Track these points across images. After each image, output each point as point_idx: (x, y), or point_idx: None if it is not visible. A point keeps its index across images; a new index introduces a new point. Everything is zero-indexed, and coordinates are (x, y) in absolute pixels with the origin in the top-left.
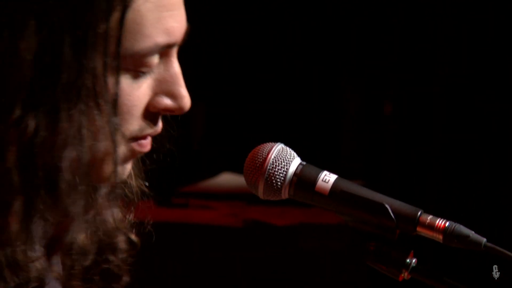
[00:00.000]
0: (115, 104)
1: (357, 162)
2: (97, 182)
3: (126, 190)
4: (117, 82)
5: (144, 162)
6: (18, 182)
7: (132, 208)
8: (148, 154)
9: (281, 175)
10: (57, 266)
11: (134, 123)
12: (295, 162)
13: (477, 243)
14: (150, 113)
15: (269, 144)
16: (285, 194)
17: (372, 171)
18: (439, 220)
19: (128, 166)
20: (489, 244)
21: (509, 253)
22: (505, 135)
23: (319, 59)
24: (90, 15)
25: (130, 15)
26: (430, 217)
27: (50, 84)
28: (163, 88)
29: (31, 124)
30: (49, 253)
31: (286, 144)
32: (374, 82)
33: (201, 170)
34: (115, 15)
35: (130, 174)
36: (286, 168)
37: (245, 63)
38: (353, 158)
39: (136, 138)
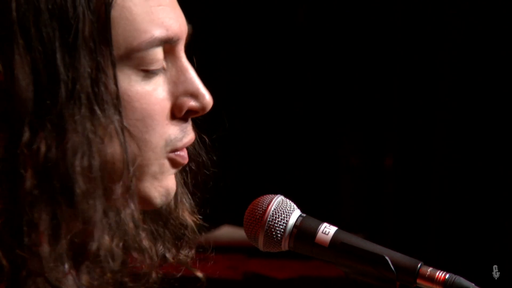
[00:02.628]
0: (116, 104)
1: (357, 214)
2: (112, 183)
3: (183, 230)
4: (115, 83)
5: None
6: (41, 201)
7: (193, 246)
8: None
9: (281, 227)
10: (87, 275)
11: (167, 131)
12: (295, 214)
13: None
14: (178, 120)
15: (269, 196)
16: (285, 246)
17: (372, 223)
18: (439, 272)
19: (173, 180)
20: None
21: None
22: (504, 184)
23: (320, 110)
24: (73, 20)
25: (118, 12)
26: (430, 269)
27: (51, 98)
28: (181, 89)
29: (42, 144)
30: (77, 263)
31: (286, 196)
32: (374, 135)
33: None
34: (100, 16)
35: (181, 211)
36: (286, 220)
37: (247, 116)
38: (353, 211)
39: (177, 149)
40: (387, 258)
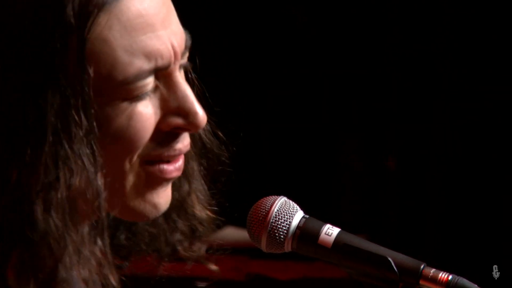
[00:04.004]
0: (90, 138)
1: (360, 215)
2: (83, 219)
3: (197, 224)
4: (86, 116)
5: None
6: (13, 232)
7: (206, 239)
8: None
9: (284, 228)
10: None
11: (146, 145)
12: (298, 215)
13: None
14: (164, 133)
15: (272, 197)
16: (288, 247)
17: (375, 224)
18: (442, 273)
19: (163, 194)
20: None
21: None
22: (505, 186)
23: (322, 113)
24: (43, 55)
25: (96, 47)
26: (433, 270)
27: (21, 131)
28: (172, 107)
29: (14, 173)
30: None
31: (289, 198)
32: (376, 138)
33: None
34: (72, 51)
35: (195, 204)
36: (289, 221)
37: (251, 119)
38: (356, 212)
39: (153, 160)
40: (390, 259)
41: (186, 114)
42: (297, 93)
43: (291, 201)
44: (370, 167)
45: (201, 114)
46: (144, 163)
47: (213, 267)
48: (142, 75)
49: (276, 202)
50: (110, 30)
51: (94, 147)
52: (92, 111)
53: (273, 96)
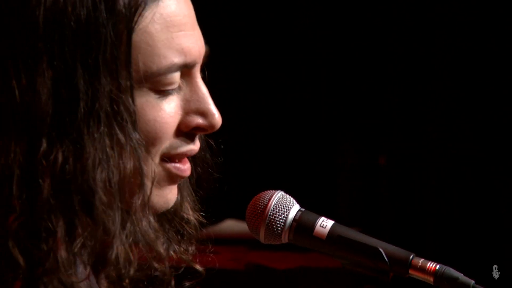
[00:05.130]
0: (134, 122)
1: (353, 209)
2: (131, 196)
3: (186, 227)
4: (133, 102)
5: None
6: (58, 210)
7: (194, 241)
8: None
9: (281, 221)
10: (105, 280)
11: (167, 141)
12: (295, 209)
13: (466, 285)
14: (183, 133)
15: (270, 192)
16: (285, 239)
17: (367, 217)
18: (430, 263)
19: (173, 191)
20: (477, 286)
21: None
22: (497, 183)
23: (319, 114)
24: (97, 42)
25: (139, 37)
26: (421, 260)
27: (70, 113)
28: (192, 107)
29: (59, 154)
30: (96, 270)
31: (286, 192)
32: (369, 136)
33: (206, 216)
34: (122, 39)
35: (186, 209)
36: (286, 214)
37: (252, 119)
38: (349, 206)
39: (170, 157)
40: (381, 250)
41: (206, 114)
42: (296, 94)
43: (288, 195)
44: (363, 164)
45: (217, 115)
46: (163, 160)
47: (200, 267)
48: (173, 68)
49: (274, 196)
50: (153, 24)
51: (139, 131)
52: (138, 96)
53: (274, 98)
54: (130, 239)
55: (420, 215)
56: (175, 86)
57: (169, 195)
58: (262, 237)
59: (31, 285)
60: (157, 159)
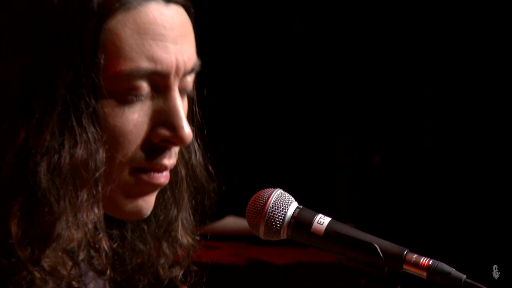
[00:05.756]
0: (92, 118)
1: (349, 206)
2: (80, 186)
3: (178, 249)
4: (94, 99)
5: None
6: (14, 187)
7: (185, 262)
8: None
9: (280, 217)
10: (49, 259)
11: (136, 151)
12: (293, 206)
13: (458, 280)
14: (154, 144)
15: (269, 190)
16: (283, 235)
17: (363, 214)
18: (423, 259)
19: (148, 200)
20: (468, 281)
21: None
22: (491, 180)
23: (317, 116)
24: (65, 33)
25: (107, 36)
26: (415, 255)
27: (33, 97)
28: (162, 119)
29: (21, 133)
30: (42, 247)
31: (285, 190)
32: (364, 137)
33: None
34: (89, 35)
35: (182, 232)
36: (285, 212)
37: (252, 121)
38: (346, 203)
39: (143, 169)
40: (376, 246)
41: (173, 127)
42: (297, 96)
43: (286, 193)
44: (359, 163)
45: (186, 130)
46: (134, 170)
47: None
48: (138, 73)
49: (273, 194)
50: (124, 27)
51: (98, 129)
52: (100, 95)
53: (276, 100)
54: (75, 227)
55: (414, 212)
56: (140, 93)
57: (143, 204)
58: (261, 233)
59: None
60: (126, 168)
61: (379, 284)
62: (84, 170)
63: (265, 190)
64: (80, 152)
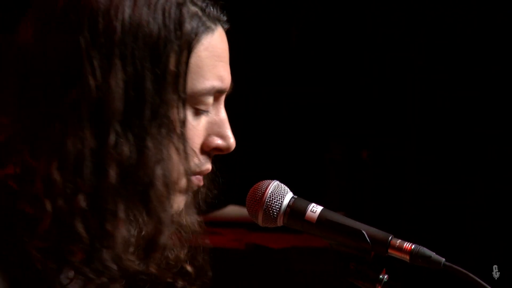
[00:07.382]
0: (183, 131)
1: (340, 196)
2: (177, 193)
3: (182, 231)
4: (184, 114)
5: None
6: (121, 196)
7: (186, 244)
8: None
9: (277, 206)
10: (154, 263)
11: (195, 158)
12: (288, 196)
13: (438, 262)
14: (204, 152)
15: (267, 181)
16: (280, 222)
17: (352, 203)
18: (406, 244)
19: (185, 199)
20: (447, 263)
21: (465, 271)
22: (477, 176)
23: (311, 115)
24: (164, 55)
25: (193, 59)
26: (399, 241)
27: (136, 113)
28: (214, 129)
29: (125, 147)
30: (144, 254)
31: (281, 182)
32: (353, 135)
33: (211, 202)
34: (183, 58)
35: (184, 214)
36: (281, 201)
37: (252, 119)
38: (337, 193)
39: (195, 173)
40: (363, 232)
41: (224, 137)
42: (296, 96)
43: (283, 185)
44: (349, 159)
45: (233, 139)
46: (190, 173)
47: (189, 268)
48: (211, 91)
49: (271, 185)
50: (205, 51)
51: (176, 139)
52: (183, 110)
53: (277, 101)
54: (174, 228)
55: (398, 201)
56: (208, 107)
57: (180, 202)
58: (260, 221)
59: (91, 258)
60: (185, 173)
61: (366, 267)
62: (182, 178)
63: (263, 181)
64: (180, 166)
